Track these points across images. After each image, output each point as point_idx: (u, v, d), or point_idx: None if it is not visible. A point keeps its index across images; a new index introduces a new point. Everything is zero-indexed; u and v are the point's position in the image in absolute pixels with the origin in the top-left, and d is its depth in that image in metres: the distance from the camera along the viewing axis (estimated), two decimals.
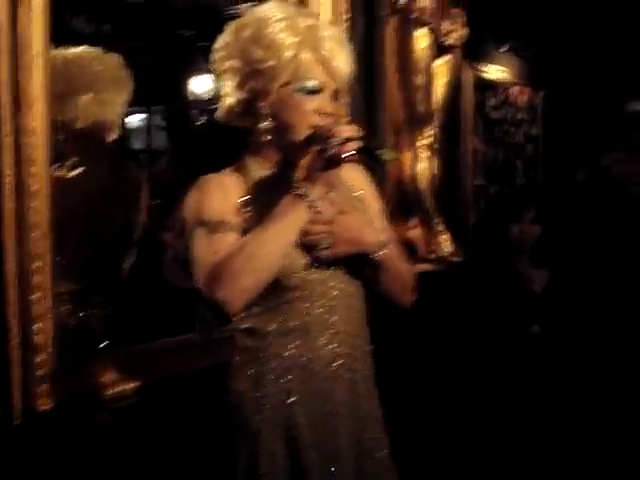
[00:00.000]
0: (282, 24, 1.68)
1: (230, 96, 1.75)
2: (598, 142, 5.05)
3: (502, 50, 4.71)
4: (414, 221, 3.33)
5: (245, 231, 1.67)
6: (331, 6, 2.90)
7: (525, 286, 3.46)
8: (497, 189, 4.67)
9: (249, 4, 2.69)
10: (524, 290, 3.46)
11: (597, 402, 3.37)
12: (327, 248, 1.71)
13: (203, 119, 3.72)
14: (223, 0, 2.95)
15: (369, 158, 1.69)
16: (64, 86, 2.32)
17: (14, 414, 1.97)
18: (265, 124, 1.71)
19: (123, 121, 3.42)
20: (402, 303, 1.90)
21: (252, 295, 1.64)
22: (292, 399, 1.73)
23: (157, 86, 3.26)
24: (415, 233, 3.32)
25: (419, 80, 3.25)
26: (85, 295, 2.45)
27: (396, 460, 1.88)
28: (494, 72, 4.62)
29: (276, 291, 1.70)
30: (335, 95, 1.74)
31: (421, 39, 3.25)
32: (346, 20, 2.96)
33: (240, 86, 1.71)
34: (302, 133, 1.69)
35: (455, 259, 3.32)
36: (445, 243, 3.32)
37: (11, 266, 1.96)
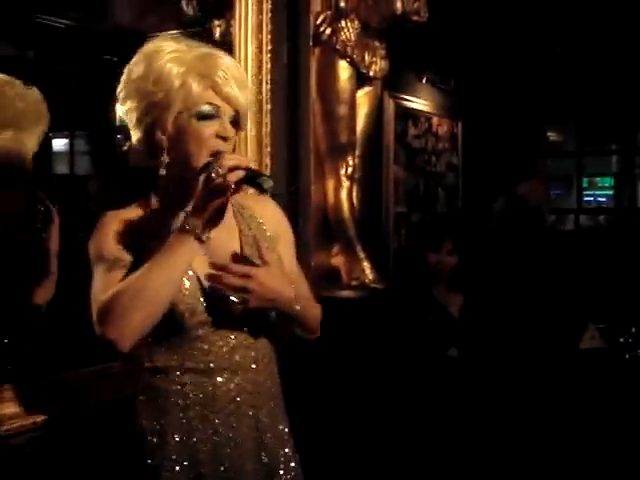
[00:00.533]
0: (170, 56, 1.68)
1: (133, 136, 1.74)
2: (515, 170, 5.20)
3: (422, 81, 4.83)
4: (337, 248, 3.36)
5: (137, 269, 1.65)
6: (254, 35, 2.96)
7: (443, 310, 3.53)
8: (419, 216, 4.75)
9: (170, 31, 2.72)
10: (442, 314, 3.53)
11: (513, 419, 3.45)
12: (241, 303, 1.71)
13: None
14: (146, 26, 2.97)
15: (252, 186, 1.67)
16: None
17: None
18: (164, 157, 1.70)
19: (48, 145, 3.40)
20: (307, 340, 1.92)
21: (141, 332, 1.61)
22: (194, 437, 1.73)
23: (81, 111, 3.23)
24: (338, 260, 3.35)
25: (342, 110, 3.30)
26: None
27: None
28: (415, 102, 4.72)
29: (178, 330, 1.70)
30: (235, 120, 1.73)
31: (343, 70, 3.30)
32: (269, 50, 3.01)
33: (138, 123, 1.71)
34: (201, 160, 1.67)
35: (377, 286, 3.36)
36: (367, 270, 3.36)
37: None
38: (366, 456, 3.28)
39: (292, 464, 1.84)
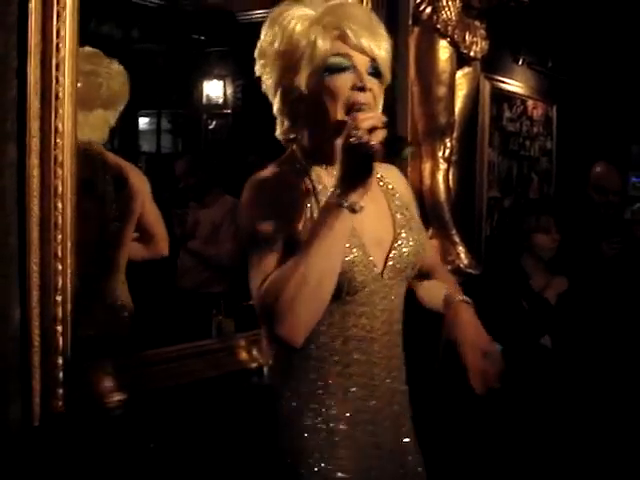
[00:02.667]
0: (295, 14, 1.61)
1: (274, 108, 1.69)
2: (609, 156, 5.04)
3: (519, 63, 4.72)
4: (431, 231, 3.31)
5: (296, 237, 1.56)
6: None
7: (538, 296, 3.45)
8: (511, 201, 4.66)
9: (262, 10, 2.70)
10: (537, 300, 3.45)
11: (606, 413, 3.37)
12: None
13: (214, 123, 3.72)
14: (235, 5, 2.96)
15: (389, 152, 1.48)
16: None
17: (33, 415, 1.97)
18: (302, 122, 1.65)
19: (136, 123, 3.44)
20: None
21: (313, 322, 1.52)
22: (357, 415, 1.68)
23: (168, 90, 3.26)
24: (433, 243, 3.30)
25: (441, 92, 3.24)
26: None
27: None
28: (511, 85, 4.62)
29: (343, 308, 1.63)
30: (375, 70, 1.61)
31: (443, 50, 3.24)
32: None
33: (274, 92, 1.66)
34: (340, 114, 1.56)
35: (472, 271, 3.30)
36: (462, 255, 3.30)
37: (35, 268, 1.96)
38: (454, 443, 3.25)
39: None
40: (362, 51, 1.59)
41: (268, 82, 1.67)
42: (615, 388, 3.46)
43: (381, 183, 1.77)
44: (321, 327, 1.62)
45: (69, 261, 2.02)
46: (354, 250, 1.60)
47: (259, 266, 1.56)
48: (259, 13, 2.61)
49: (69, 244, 2.01)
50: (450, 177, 3.37)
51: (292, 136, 1.71)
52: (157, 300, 2.78)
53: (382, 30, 1.66)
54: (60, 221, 1.98)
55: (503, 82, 4.53)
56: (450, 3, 3.22)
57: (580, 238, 3.81)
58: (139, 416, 2.22)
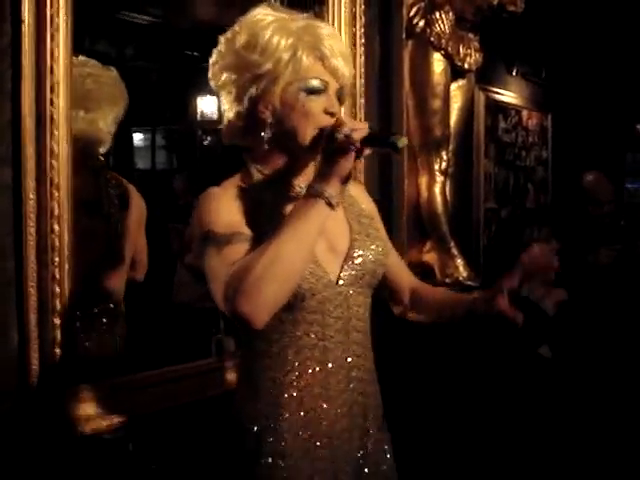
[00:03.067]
0: (274, 26, 1.61)
1: (230, 111, 1.68)
2: (605, 165, 5.05)
3: (512, 74, 4.74)
4: (429, 244, 3.31)
5: (257, 241, 1.56)
6: (347, 28, 2.91)
7: (535, 306, 3.44)
8: (508, 212, 4.66)
9: None
10: (534, 310, 3.44)
11: (606, 424, 3.35)
12: None
13: (208, 139, 3.72)
14: (229, 22, 2.96)
15: (381, 145, 1.58)
16: None
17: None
18: (266, 132, 1.64)
19: (130, 140, 3.43)
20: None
21: (277, 305, 1.51)
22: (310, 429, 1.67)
23: (163, 106, 3.25)
24: (431, 256, 3.30)
25: (436, 104, 3.24)
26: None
27: None
28: (505, 96, 4.63)
29: (293, 315, 1.63)
30: (338, 95, 1.67)
31: (437, 63, 3.24)
32: (362, 43, 2.96)
33: (239, 97, 1.64)
34: (309, 135, 1.61)
35: (471, 283, 3.29)
36: (461, 267, 3.30)
37: (32, 291, 1.95)
38: (450, 452, 3.23)
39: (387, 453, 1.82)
40: (335, 75, 1.65)
41: (231, 86, 1.65)
42: (615, 396, 3.45)
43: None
44: (274, 335, 1.64)
45: (67, 283, 2.01)
46: None
47: (221, 259, 1.54)
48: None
49: (66, 266, 2.01)
50: (447, 189, 3.36)
51: (244, 143, 1.72)
52: (153, 316, 2.75)
53: (350, 54, 1.75)
54: (57, 243, 1.98)
55: (497, 93, 4.54)
56: (443, 16, 3.22)
57: (577, 247, 3.80)
58: (135, 440, 2.20)
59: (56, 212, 1.96)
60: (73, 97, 2.04)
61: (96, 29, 2.73)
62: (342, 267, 1.68)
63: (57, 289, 1.98)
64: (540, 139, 5.15)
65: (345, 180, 1.53)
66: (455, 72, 3.36)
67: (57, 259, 1.98)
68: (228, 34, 1.67)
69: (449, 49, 3.23)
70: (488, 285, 3.43)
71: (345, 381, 1.70)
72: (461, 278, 3.28)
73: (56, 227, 1.96)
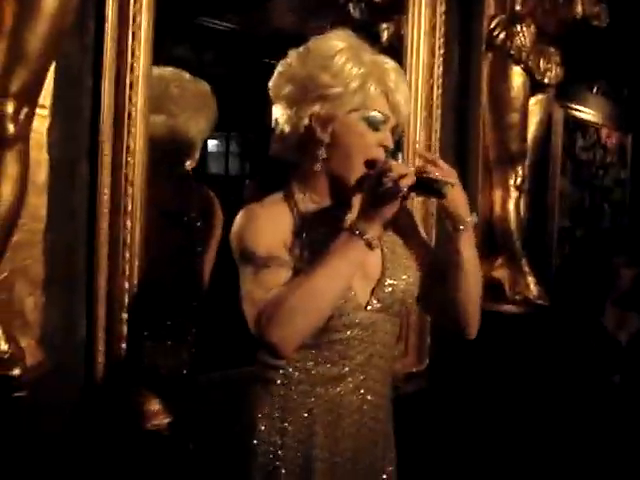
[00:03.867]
0: (349, 54, 1.65)
1: (287, 124, 1.71)
2: None
3: (593, 91, 4.64)
4: (500, 260, 3.25)
5: (296, 268, 1.62)
6: (426, 39, 2.89)
7: (608, 335, 3.38)
8: (583, 232, 4.55)
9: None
10: (607, 338, 3.38)
11: None
12: None
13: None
14: (308, 30, 2.97)
15: (427, 194, 1.67)
16: None
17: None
18: (322, 152, 1.66)
19: (204, 146, 3.46)
20: (466, 329, 1.81)
21: (304, 337, 1.58)
22: (313, 439, 1.69)
23: (237, 113, 3.27)
24: (501, 273, 3.24)
25: (513, 118, 3.19)
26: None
27: None
28: (584, 113, 4.54)
29: (318, 331, 1.64)
30: (393, 131, 1.71)
31: (516, 76, 3.19)
32: (441, 54, 2.94)
33: (301, 111, 1.67)
34: (360, 164, 1.65)
35: (541, 302, 3.23)
36: (532, 285, 3.23)
37: (102, 284, 1.98)
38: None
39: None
40: (395, 111, 1.70)
41: (294, 100, 1.68)
42: None
43: None
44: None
45: (136, 279, 2.03)
46: None
47: (258, 283, 1.60)
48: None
49: (137, 262, 2.03)
50: (521, 205, 3.30)
51: (292, 159, 1.76)
52: (220, 321, 2.76)
53: (410, 96, 1.81)
54: (129, 239, 2.00)
55: (577, 110, 4.45)
56: (525, 29, 3.17)
57: None
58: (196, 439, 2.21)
59: (129, 208, 1.98)
60: (152, 97, 2.07)
61: (178, 33, 2.77)
62: (372, 293, 1.70)
63: (126, 284, 2.01)
64: (619, 159, 5.03)
65: (388, 224, 1.63)
66: (534, 86, 3.30)
67: (128, 255, 2.00)
68: (301, 50, 1.72)
69: (529, 63, 3.17)
70: (559, 306, 3.39)
71: (358, 403, 1.73)
72: (531, 296, 3.22)
73: (128, 223, 1.99)
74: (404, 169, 1.57)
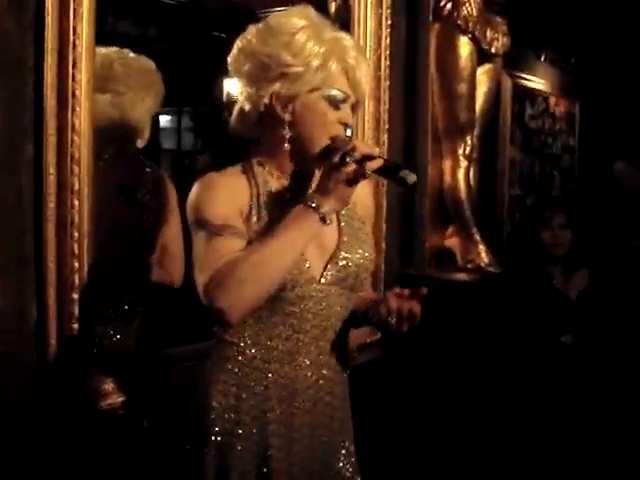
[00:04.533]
0: (310, 31, 1.65)
1: (247, 101, 1.70)
2: (634, 153, 4.99)
3: (541, 59, 4.69)
4: (451, 230, 3.29)
5: (250, 238, 1.62)
6: (373, 10, 2.90)
7: (560, 293, 3.41)
8: (533, 200, 4.62)
9: (282, 8, 2.70)
10: (558, 296, 3.41)
11: (628, 415, 3.32)
12: None
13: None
14: (257, 3, 2.96)
15: (390, 179, 1.66)
16: None
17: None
18: (285, 131, 1.67)
19: (156, 121, 3.43)
20: None
21: (252, 306, 1.58)
22: (269, 415, 1.69)
23: (188, 87, 3.25)
24: (453, 242, 3.28)
25: (461, 88, 3.21)
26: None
27: None
28: (533, 81, 4.59)
29: (271, 304, 1.65)
30: (353, 108, 1.72)
31: (464, 47, 3.21)
32: (388, 25, 2.95)
33: (262, 89, 1.66)
34: (322, 143, 1.66)
35: (492, 269, 3.27)
36: (483, 253, 3.28)
37: (52, 266, 1.96)
38: (470, 441, 3.23)
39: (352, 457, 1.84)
40: (355, 89, 1.70)
41: (254, 77, 1.67)
42: (636, 389, 3.42)
43: None
44: (249, 320, 1.66)
45: (85, 258, 2.02)
46: None
47: (210, 251, 1.60)
48: (280, 11, 2.62)
49: (85, 241, 2.02)
50: (471, 175, 3.34)
51: (252, 135, 1.75)
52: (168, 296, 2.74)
53: (370, 70, 1.84)
54: (77, 219, 1.99)
55: (525, 79, 4.50)
56: None
57: (605, 236, 3.76)
58: (151, 416, 2.22)
59: (76, 187, 1.97)
60: (96, 76, 2.05)
61: (121, 8, 2.74)
62: (326, 266, 1.71)
63: (76, 264, 1.99)
64: (568, 126, 5.10)
65: (345, 202, 1.62)
66: (482, 56, 3.33)
67: (76, 234, 1.99)
68: (261, 26, 1.70)
69: (476, 33, 3.20)
70: (509, 272, 3.44)
71: (314, 377, 1.74)
72: (482, 264, 3.26)
73: (76, 202, 1.97)
74: (369, 149, 1.60)
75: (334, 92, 1.66)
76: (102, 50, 2.26)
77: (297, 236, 1.58)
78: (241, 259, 1.55)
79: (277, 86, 1.65)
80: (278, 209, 1.66)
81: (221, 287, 1.53)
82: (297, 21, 1.66)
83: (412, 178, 1.57)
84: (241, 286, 1.53)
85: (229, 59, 1.73)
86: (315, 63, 1.63)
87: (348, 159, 1.55)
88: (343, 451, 1.81)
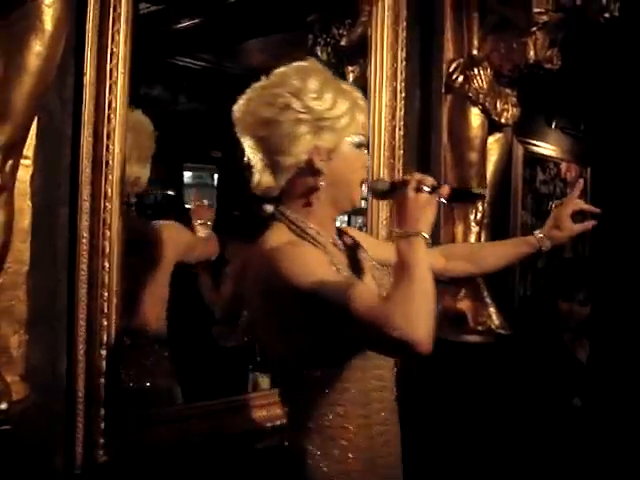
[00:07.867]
0: (333, 85, 1.75)
1: (285, 160, 1.73)
2: None
3: (551, 127, 4.80)
4: (463, 292, 3.37)
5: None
6: (388, 82, 3.03)
7: (572, 355, 3.47)
8: (544, 262, 4.69)
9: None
10: (571, 359, 3.46)
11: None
12: None
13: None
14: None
15: (461, 198, 1.82)
16: None
17: (76, 464, 2.07)
18: (321, 181, 1.73)
19: (180, 178, 3.55)
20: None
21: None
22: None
23: (212, 147, 3.37)
24: (464, 304, 3.35)
25: (473, 157, 3.31)
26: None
27: None
28: (544, 148, 4.69)
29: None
30: None
31: (475, 117, 3.33)
32: (402, 97, 3.08)
33: (297, 142, 1.72)
34: (356, 187, 1.78)
35: (503, 332, 3.34)
36: (494, 315, 3.34)
37: (82, 323, 2.08)
38: None
39: None
40: (366, 131, 1.86)
41: (282, 128, 1.72)
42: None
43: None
44: (345, 384, 1.70)
45: (114, 317, 2.13)
46: None
47: (371, 297, 1.57)
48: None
49: (114, 301, 2.13)
50: (482, 239, 3.42)
51: (276, 193, 1.82)
52: (195, 350, 2.83)
53: None
54: (107, 280, 2.11)
55: (536, 145, 4.61)
56: (482, 72, 3.31)
57: (614, 303, 3.82)
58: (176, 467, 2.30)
59: (107, 250, 2.09)
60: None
61: (152, 74, 2.89)
62: None
63: (105, 322, 2.11)
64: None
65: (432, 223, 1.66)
66: (493, 126, 3.43)
67: (106, 294, 2.11)
68: (287, 81, 1.75)
69: (487, 104, 3.30)
70: (522, 336, 3.50)
71: (393, 416, 1.84)
72: (493, 326, 3.32)
73: (106, 264, 2.10)
74: (430, 180, 1.67)
75: (361, 137, 1.78)
76: None
77: (424, 265, 1.55)
78: (406, 296, 1.50)
79: (309, 137, 1.71)
80: (338, 256, 1.76)
81: (410, 320, 1.45)
82: (316, 77, 1.74)
83: (479, 189, 1.70)
84: (421, 316, 1.47)
85: (240, 129, 1.85)
86: (347, 115, 1.73)
87: (426, 188, 1.64)
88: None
